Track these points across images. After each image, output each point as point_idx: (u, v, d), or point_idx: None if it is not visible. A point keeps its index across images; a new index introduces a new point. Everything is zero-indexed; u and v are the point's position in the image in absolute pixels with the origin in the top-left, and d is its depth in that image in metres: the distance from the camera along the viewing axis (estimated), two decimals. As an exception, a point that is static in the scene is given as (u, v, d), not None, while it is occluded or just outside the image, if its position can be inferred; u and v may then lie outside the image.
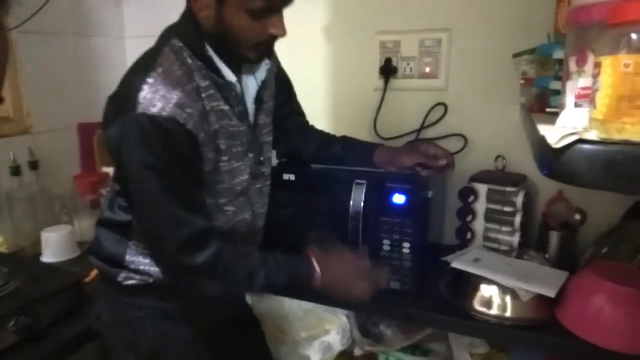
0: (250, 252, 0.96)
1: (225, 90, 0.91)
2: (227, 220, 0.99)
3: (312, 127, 1.25)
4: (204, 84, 0.87)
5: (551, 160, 0.53)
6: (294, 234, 1.18)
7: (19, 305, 1.03)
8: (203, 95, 0.87)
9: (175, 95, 0.81)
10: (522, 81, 1.21)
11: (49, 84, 1.54)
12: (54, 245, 1.38)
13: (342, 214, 1.11)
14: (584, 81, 0.63)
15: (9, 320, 1.00)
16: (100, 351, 1.03)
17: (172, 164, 0.83)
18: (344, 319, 1.34)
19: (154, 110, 0.79)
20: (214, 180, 0.93)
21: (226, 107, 0.91)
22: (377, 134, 1.45)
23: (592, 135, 0.52)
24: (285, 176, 1.17)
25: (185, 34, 0.89)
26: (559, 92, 0.88)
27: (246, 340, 1.15)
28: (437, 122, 1.40)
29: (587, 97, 0.62)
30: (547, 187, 1.28)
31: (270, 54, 1.03)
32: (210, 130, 0.88)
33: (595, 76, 0.59)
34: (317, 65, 1.51)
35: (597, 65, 0.57)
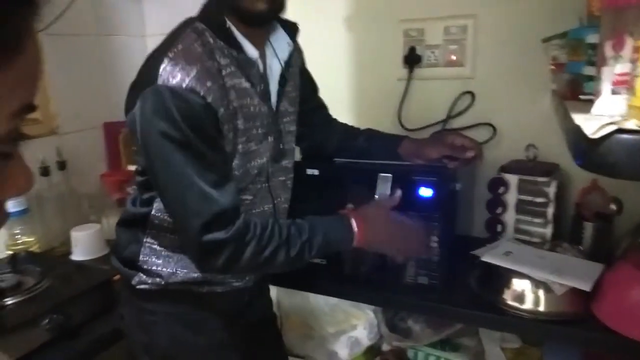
0: (281, 221, 0.92)
1: (246, 67, 0.90)
2: (245, 210, 0.96)
3: (335, 120, 1.23)
4: (224, 61, 0.87)
5: (587, 151, 0.51)
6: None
7: (53, 304, 1.05)
8: (224, 72, 0.86)
9: (195, 69, 0.81)
10: (553, 67, 1.16)
11: (73, 85, 1.56)
12: (84, 244, 1.40)
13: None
14: (621, 67, 0.59)
15: (43, 318, 1.02)
16: (129, 350, 1.04)
17: (194, 136, 0.81)
18: (371, 314, 1.33)
19: (174, 81, 0.79)
20: (233, 162, 0.91)
21: (247, 85, 0.90)
22: (402, 125, 1.42)
23: (632, 124, 0.49)
24: (309, 171, 1.16)
25: (206, 14, 0.90)
26: (592, 78, 0.84)
27: (263, 343, 1.15)
28: (464, 111, 1.37)
29: (625, 84, 0.59)
30: (580, 177, 1.23)
31: (292, 30, 1.00)
32: (230, 108, 0.86)
33: (634, 61, 0.55)
34: (340, 55, 1.48)
35: (637, 49, 0.54)
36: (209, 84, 0.82)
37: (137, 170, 0.99)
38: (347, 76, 1.49)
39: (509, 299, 1.02)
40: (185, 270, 0.96)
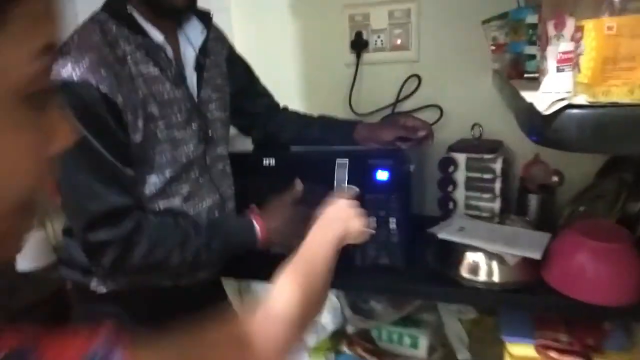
0: (181, 221, 0.92)
1: (154, 52, 0.89)
2: (194, 205, 0.96)
3: (285, 108, 1.23)
4: (130, 48, 0.86)
5: (541, 127, 0.53)
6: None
7: (1, 319, 0.99)
8: (129, 59, 0.85)
9: (87, 58, 0.80)
10: (493, 47, 1.21)
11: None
12: (28, 251, 1.33)
13: (326, 194, 1.10)
14: (565, 45, 0.62)
15: (-10, 333, 0.96)
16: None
17: (87, 131, 0.79)
18: (334, 299, 1.34)
19: (65, 74, 0.77)
20: (155, 151, 0.89)
21: (156, 70, 0.89)
22: (353, 110, 1.43)
23: (581, 99, 0.52)
24: (265, 161, 1.15)
25: (109, 4, 0.89)
26: (534, 57, 0.89)
27: None
28: (411, 94, 1.40)
29: (569, 62, 0.62)
30: (523, 151, 1.29)
31: (205, 18, 1.00)
32: (138, 96, 0.85)
33: (577, 40, 0.58)
34: (285, 43, 1.47)
35: (579, 29, 0.57)
36: (103, 72, 0.80)
37: None
38: (295, 64, 1.48)
39: (464, 272, 1.07)
40: None
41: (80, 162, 0.79)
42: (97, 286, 0.93)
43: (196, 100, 0.96)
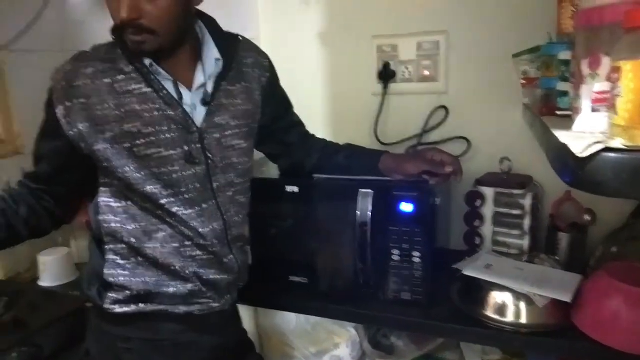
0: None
1: (145, 74, 0.91)
2: (201, 226, 0.96)
3: (313, 136, 1.23)
4: (127, 68, 0.91)
5: (576, 169, 0.51)
6: (298, 248, 1.16)
7: (21, 335, 1.00)
8: (119, 77, 0.90)
9: (64, 69, 0.90)
10: (524, 81, 1.20)
11: (39, 103, 1.50)
12: (52, 269, 1.34)
13: (349, 224, 1.09)
14: (600, 85, 0.60)
15: (11, 351, 0.97)
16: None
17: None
18: (354, 332, 1.31)
19: (51, 76, 0.91)
20: (123, 162, 0.90)
21: (148, 90, 0.91)
22: (378, 140, 1.43)
23: (618, 143, 0.50)
24: (289, 188, 1.15)
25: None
26: (566, 94, 0.87)
27: None
28: (438, 125, 1.38)
29: (604, 102, 0.61)
30: (554, 188, 1.26)
31: (228, 46, 1.00)
32: (118, 110, 0.89)
33: (614, 81, 0.57)
34: (314, 71, 1.49)
35: (616, 70, 0.55)
36: (63, 83, 0.89)
37: None
38: (322, 92, 1.49)
39: (490, 312, 1.03)
40: (154, 279, 0.94)
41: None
42: (110, 304, 0.93)
43: (199, 124, 0.95)
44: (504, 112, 1.31)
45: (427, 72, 1.37)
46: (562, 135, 0.60)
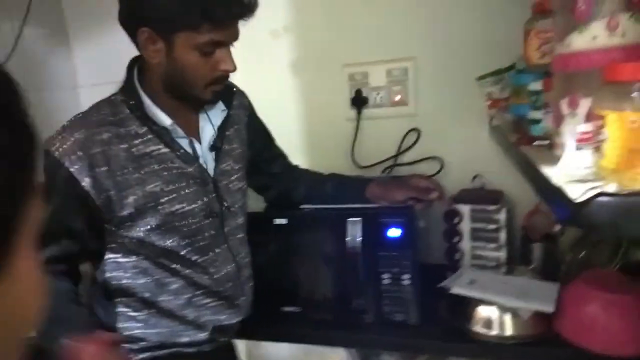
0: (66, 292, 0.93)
1: (163, 135, 0.93)
2: (210, 274, 0.98)
3: (297, 167, 1.26)
4: (141, 130, 0.91)
5: (573, 212, 0.56)
6: (289, 278, 1.18)
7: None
8: (137, 140, 0.90)
9: (72, 139, 0.87)
10: (489, 102, 1.27)
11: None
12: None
13: (339, 252, 1.12)
14: (583, 126, 0.66)
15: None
16: None
17: (51, 198, 0.86)
18: (345, 354, 1.34)
19: (51, 147, 0.87)
20: (155, 223, 0.92)
21: (166, 150, 0.93)
22: (355, 163, 1.47)
23: (612, 187, 0.55)
24: (277, 221, 1.17)
25: (124, 87, 0.95)
26: (539, 122, 0.94)
27: None
28: (411, 146, 1.44)
29: (589, 141, 0.67)
30: (524, 201, 1.33)
31: (226, 95, 1.04)
32: (138, 173, 0.90)
33: (598, 127, 0.63)
34: (288, 101, 1.51)
35: (600, 117, 0.61)
36: (79, 153, 0.86)
37: None
38: (297, 120, 1.52)
39: (478, 326, 1.09)
40: (168, 330, 0.95)
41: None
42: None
43: (212, 174, 0.99)
44: (473, 131, 1.38)
45: (397, 97, 1.42)
46: (551, 174, 0.66)
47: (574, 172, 0.65)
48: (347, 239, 1.11)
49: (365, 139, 1.47)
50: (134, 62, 0.96)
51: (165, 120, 0.93)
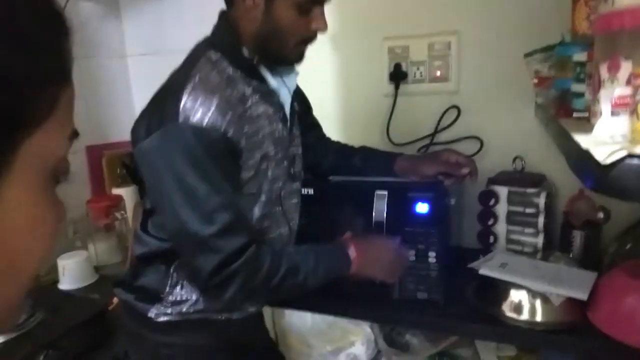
0: (288, 250, 0.96)
1: (268, 96, 0.92)
2: (268, 236, 0.99)
3: (328, 139, 1.24)
4: (248, 90, 0.89)
5: (599, 176, 0.52)
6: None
7: (47, 338, 1.02)
8: (249, 102, 0.88)
9: (215, 101, 0.81)
10: (536, 80, 1.20)
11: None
12: (72, 272, 1.36)
13: (364, 225, 1.10)
14: (620, 90, 0.61)
15: (38, 354, 0.99)
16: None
17: (216, 174, 0.81)
18: (368, 330, 1.33)
19: (194, 119, 0.80)
20: (261, 187, 0.92)
21: (272, 111, 0.93)
22: (390, 141, 1.44)
23: (641, 149, 0.51)
24: (304, 190, 1.16)
25: (222, 44, 0.91)
26: (581, 95, 0.87)
27: None
28: (450, 125, 1.39)
29: (625, 106, 0.62)
30: (567, 186, 1.26)
31: None
32: (257, 136, 0.89)
33: (636, 86, 0.58)
34: (326, 74, 1.49)
35: (638, 76, 0.56)
36: (229, 116, 0.82)
37: (147, 195, 0.98)
38: (334, 94, 1.50)
39: (506, 310, 1.04)
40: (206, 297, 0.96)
41: (213, 204, 0.81)
42: (156, 315, 0.94)
43: (290, 139, 1.00)
44: (516, 110, 1.31)
45: (438, 72, 1.37)
46: (582, 140, 0.61)
47: (607, 139, 0.60)
48: (373, 212, 1.09)
49: (401, 116, 1.43)
50: (222, 20, 0.93)
51: (273, 82, 0.92)
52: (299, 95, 1.13)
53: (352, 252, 0.95)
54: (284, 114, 0.97)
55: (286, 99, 0.98)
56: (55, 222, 0.35)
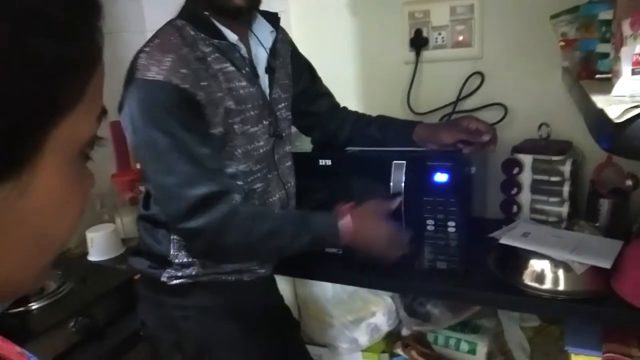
0: (271, 209, 0.97)
1: (229, 52, 0.93)
2: (263, 200, 1.00)
3: (345, 108, 1.23)
4: (208, 50, 0.91)
5: (613, 135, 0.50)
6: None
7: (77, 306, 1.07)
8: (209, 59, 0.90)
9: (169, 58, 0.84)
10: (563, 43, 1.15)
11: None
12: (100, 244, 1.41)
13: (383, 196, 1.09)
14: (643, 47, 0.58)
15: (69, 321, 1.04)
16: (155, 354, 1.06)
17: (175, 126, 0.84)
18: (389, 300, 1.33)
19: (149, 74, 0.83)
20: (231, 144, 0.93)
21: (233, 69, 0.93)
22: (411, 109, 1.41)
23: (659, 107, 0.48)
24: (322, 162, 1.16)
25: (185, 9, 0.95)
26: (607, 56, 0.83)
27: (283, 332, 1.17)
28: (474, 92, 1.35)
29: (647, 64, 0.58)
30: (594, 153, 1.22)
31: (272, 20, 1.03)
32: (217, 93, 0.90)
33: (657, 41, 0.54)
34: (345, 41, 1.47)
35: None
36: (183, 71, 0.85)
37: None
38: (353, 62, 1.47)
39: (528, 279, 1.02)
40: None
41: (173, 152, 0.84)
42: (168, 278, 0.97)
43: (268, 98, 0.99)
44: (543, 76, 1.26)
45: (461, 38, 1.33)
46: (600, 100, 0.59)
47: (626, 99, 0.57)
48: (390, 183, 1.08)
49: (423, 83, 1.40)
50: None
51: (231, 36, 0.92)
52: (299, 65, 1.14)
53: (347, 222, 0.95)
54: (252, 72, 0.96)
55: (262, 59, 0.99)
56: (84, 198, 0.36)
